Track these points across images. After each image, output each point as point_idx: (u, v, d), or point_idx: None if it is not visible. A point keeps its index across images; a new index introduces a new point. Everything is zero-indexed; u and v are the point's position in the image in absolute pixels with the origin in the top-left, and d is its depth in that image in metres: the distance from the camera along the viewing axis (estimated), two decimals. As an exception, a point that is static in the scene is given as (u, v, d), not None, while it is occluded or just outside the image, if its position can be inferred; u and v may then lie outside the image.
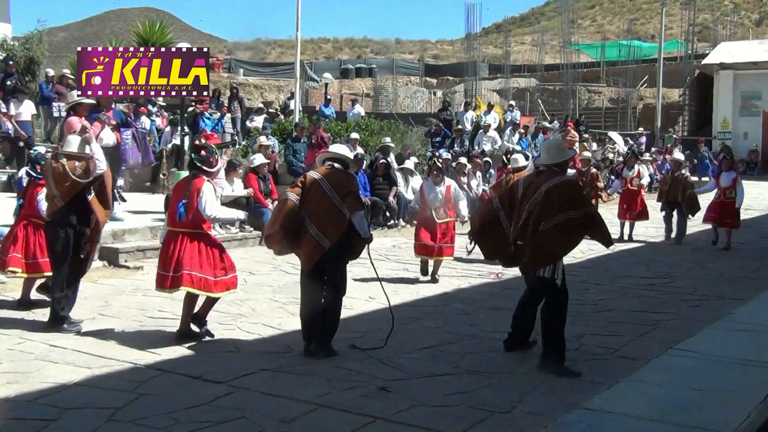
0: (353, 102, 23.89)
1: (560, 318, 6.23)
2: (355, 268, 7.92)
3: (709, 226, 13.56)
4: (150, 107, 18.05)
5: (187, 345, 6.72)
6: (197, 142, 8.21)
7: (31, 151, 8.58)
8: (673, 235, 13.84)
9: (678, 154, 15.49)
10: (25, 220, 8.00)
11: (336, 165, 6.75)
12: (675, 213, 13.84)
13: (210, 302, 7.02)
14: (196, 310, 7.00)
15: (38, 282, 8.14)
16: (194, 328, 6.99)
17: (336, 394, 5.54)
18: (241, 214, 7.15)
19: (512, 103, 25.89)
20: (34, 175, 8.02)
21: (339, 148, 7.05)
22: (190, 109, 15.37)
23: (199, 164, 6.90)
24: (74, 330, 7.10)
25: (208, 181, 6.88)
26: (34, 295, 8.14)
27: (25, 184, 8.35)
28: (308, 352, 6.49)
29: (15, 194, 9.63)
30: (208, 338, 6.95)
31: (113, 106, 12.77)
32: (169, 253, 6.78)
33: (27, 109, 16.18)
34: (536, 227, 6.10)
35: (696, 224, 15.04)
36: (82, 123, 10.55)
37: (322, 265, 6.48)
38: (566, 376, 5.99)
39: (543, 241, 6.08)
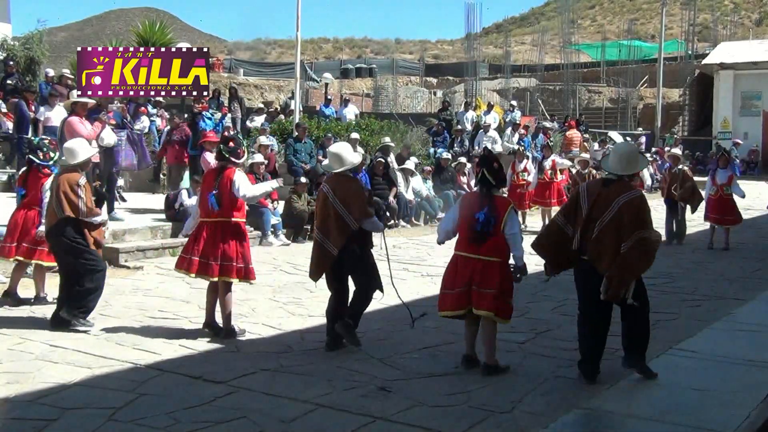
0: (346, 102, 23.78)
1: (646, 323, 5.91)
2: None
3: (708, 226, 13.54)
4: (150, 108, 18.02)
5: (187, 345, 6.73)
6: (226, 133, 8.38)
7: (33, 139, 8.57)
8: (673, 238, 13.71)
9: (676, 150, 15.47)
10: (26, 207, 8.05)
11: (341, 171, 6.77)
12: (671, 211, 13.76)
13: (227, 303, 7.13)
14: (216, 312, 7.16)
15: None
16: (218, 319, 7.13)
17: (336, 394, 5.54)
18: (274, 183, 7.58)
19: (513, 103, 25.85)
20: (37, 162, 8.01)
21: (335, 148, 6.99)
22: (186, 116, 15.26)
23: (227, 155, 7.09)
24: (87, 327, 7.14)
25: (239, 170, 7.09)
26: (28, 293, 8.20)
27: (24, 171, 8.32)
28: (329, 347, 6.67)
29: (14, 193, 9.62)
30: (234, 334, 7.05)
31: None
32: (206, 241, 6.92)
33: (57, 115, 15.93)
34: (611, 246, 5.68)
35: (696, 224, 15.03)
36: (82, 122, 10.59)
37: (343, 264, 6.64)
38: (652, 376, 5.85)
39: (625, 264, 5.65)
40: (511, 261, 6.22)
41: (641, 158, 6.30)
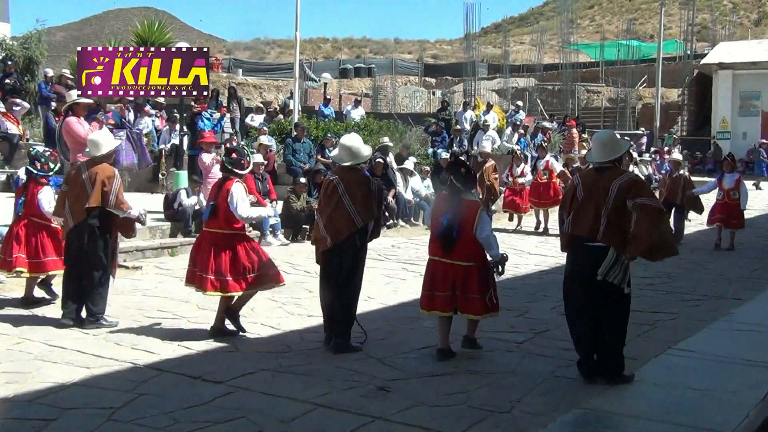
0: (356, 102, 23.84)
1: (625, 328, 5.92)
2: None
3: (709, 228, 13.59)
4: (149, 108, 18.01)
5: (186, 344, 6.73)
6: (228, 145, 8.40)
7: (31, 149, 8.59)
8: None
9: (676, 155, 15.50)
10: (26, 219, 8.04)
11: (352, 164, 6.79)
12: (672, 214, 13.77)
13: (246, 297, 7.14)
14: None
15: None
16: (228, 324, 7.11)
17: (335, 393, 5.54)
18: (271, 211, 7.50)
19: (519, 103, 25.76)
20: (35, 172, 8.02)
21: (349, 141, 6.97)
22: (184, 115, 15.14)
23: (230, 168, 7.09)
24: (113, 324, 7.27)
25: (238, 181, 7.06)
26: (38, 292, 8.24)
27: (24, 182, 8.35)
28: (327, 342, 6.73)
29: (13, 194, 9.62)
30: (241, 334, 7.08)
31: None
32: (204, 253, 6.94)
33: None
34: (621, 227, 5.68)
35: (696, 224, 15.05)
36: (80, 122, 10.58)
37: (333, 264, 6.67)
38: (627, 382, 5.77)
39: (637, 240, 5.62)
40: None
41: (622, 141, 6.34)
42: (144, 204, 8.57)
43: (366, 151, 6.91)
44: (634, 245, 5.63)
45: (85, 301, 7.34)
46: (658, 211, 5.78)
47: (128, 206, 7.44)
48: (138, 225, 8.00)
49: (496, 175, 15.16)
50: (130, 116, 15.39)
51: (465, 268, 6.27)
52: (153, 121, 17.64)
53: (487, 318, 6.47)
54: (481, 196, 13.64)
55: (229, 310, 7.11)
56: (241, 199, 6.96)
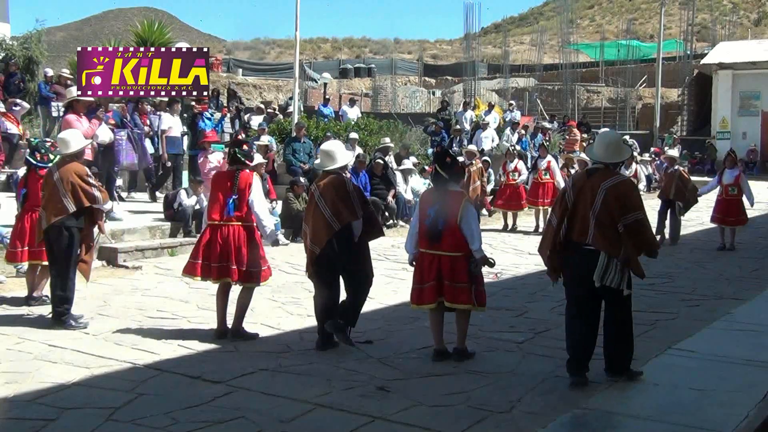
0: (351, 101, 23.82)
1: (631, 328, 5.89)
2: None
3: (713, 226, 13.59)
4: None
5: (185, 344, 6.73)
6: (239, 136, 8.37)
7: (32, 139, 8.60)
8: (667, 235, 13.74)
9: (671, 151, 15.48)
10: (30, 211, 8.06)
11: (331, 170, 6.77)
12: (668, 212, 13.74)
13: (243, 307, 7.06)
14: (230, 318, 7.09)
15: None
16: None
17: (335, 393, 5.54)
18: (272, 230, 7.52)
19: (512, 102, 25.83)
20: (34, 162, 8.03)
21: (326, 146, 7.03)
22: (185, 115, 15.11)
23: (243, 159, 7.04)
24: (81, 326, 7.18)
25: (256, 175, 7.05)
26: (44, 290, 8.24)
27: (24, 174, 8.38)
28: (319, 346, 6.67)
29: (14, 193, 9.64)
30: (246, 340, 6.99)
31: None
32: (217, 245, 6.83)
33: (177, 124, 14.68)
34: (613, 231, 5.61)
35: (695, 224, 15.04)
36: (79, 120, 10.60)
37: (331, 261, 6.62)
38: (635, 379, 5.79)
39: (623, 248, 5.60)
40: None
41: (626, 148, 6.26)
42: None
43: (344, 155, 6.87)
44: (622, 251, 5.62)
45: (52, 302, 7.31)
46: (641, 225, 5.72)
47: (107, 197, 7.51)
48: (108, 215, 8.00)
49: (485, 178, 15.15)
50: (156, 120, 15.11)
51: (452, 258, 6.22)
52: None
53: (475, 311, 6.42)
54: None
55: (234, 322, 7.04)
56: (260, 197, 6.95)
